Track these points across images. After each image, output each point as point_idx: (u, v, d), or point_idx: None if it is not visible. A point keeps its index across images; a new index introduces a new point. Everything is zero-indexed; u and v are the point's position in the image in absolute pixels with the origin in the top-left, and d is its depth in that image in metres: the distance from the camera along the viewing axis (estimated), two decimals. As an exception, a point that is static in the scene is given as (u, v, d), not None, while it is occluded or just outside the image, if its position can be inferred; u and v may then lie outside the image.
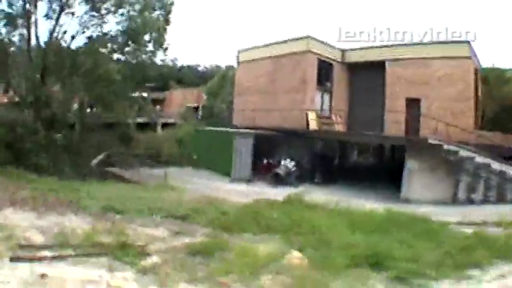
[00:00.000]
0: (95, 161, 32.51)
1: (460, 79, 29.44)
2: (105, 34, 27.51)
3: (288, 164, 27.30)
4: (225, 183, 26.09)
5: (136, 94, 47.52)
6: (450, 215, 15.32)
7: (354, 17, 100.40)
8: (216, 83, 52.71)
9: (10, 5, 26.04)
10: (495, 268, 8.31)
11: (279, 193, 19.02)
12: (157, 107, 61.91)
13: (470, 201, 21.56)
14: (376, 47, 32.49)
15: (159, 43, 28.79)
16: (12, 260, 6.33)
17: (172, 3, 28.77)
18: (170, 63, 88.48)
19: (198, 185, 24.13)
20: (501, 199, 20.95)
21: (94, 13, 26.72)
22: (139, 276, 6.36)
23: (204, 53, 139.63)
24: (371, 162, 38.24)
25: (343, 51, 34.60)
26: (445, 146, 22.78)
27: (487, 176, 21.79)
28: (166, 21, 28.75)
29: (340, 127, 32.88)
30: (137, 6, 27.49)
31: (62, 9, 26.54)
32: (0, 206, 10.04)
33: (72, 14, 26.62)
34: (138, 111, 40.74)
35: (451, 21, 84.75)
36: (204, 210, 12.56)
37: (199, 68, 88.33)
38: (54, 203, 11.74)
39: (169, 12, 28.72)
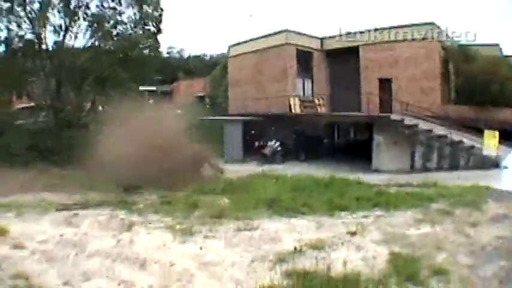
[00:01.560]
0: None
1: (426, 59, 31.29)
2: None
3: (274, 144, 30.28)
4: (220, 164, 29.39)
5: (145, 88, 51.35)
6: (395, 179, 17.30)
7: (354, 17, 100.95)
8: (219, 72, 52.94)
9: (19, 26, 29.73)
10: (366, 212, 10.84)
11: (257, 170, 22.78)
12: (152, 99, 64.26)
13: (426, 169, 22.90)
14: (350, 33, 34.41)
15: (154, 49, 32.25)
16: (57, 210, 11.18)
17: (161, 15, 31.95)
18: (177, 55, 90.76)
19: None
20: (455, 166, 22.47)
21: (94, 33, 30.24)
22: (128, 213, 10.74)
23: (211, 41, 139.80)
24: (351, 139, 40.59)
25: (322, 39, 36.91)
26: (406, 122, 24.90)
27: (440, 146, 23.40)
28: (159, 30, 32.00)
29: (323, 109, 35.44)
30: (130, 25, 30.95)
31: (67, 29, 30.02)
32: (38, 191, 15.39)
33: (76, 36, 30.17)
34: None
35: (451, 21, 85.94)
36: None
37: (206, 58, 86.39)
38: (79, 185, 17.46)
39: (160, 22, 31.92)
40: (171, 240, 7.80)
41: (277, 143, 30.34)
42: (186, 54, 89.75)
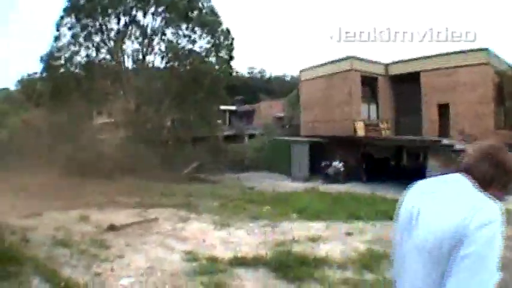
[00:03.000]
0: (187, 170, 39.09)
1: (480, 84, 31.39)
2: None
3: (337, 165, 32.38)
4: (286, 181, 32.05)
5: (225, 108, 54.57)
6: None
7: (353, 17, 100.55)
8: (296, 93, 53.08)
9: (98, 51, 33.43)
10: (377, 221, 12.20)
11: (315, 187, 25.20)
12: (241, 120, 66.88)
13: None
14: (413, 59, 35.67)
15: (226, 74, 35.28)
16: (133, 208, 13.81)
17: (232, 43, 34.93)
18: (258, 75, 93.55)
19: (265, 183, 30.18)
20: None
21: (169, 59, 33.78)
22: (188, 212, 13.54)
23: (292, 62, 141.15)
24: (416, 163, 40.25)
25: (386, 65, 38.30)
26: (456, 146, 25.92)
27: None
28: (231, 58, 34.97)
29: (388, 133, 36.54)
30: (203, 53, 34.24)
31: (144, 54, 33.69)
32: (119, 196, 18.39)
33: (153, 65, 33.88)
34: (227, 125, 47.39)
35: (451, 21, 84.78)
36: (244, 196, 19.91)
37: (287, 79, 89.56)
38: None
39: (231, 50, 34.92)
40: (212, 228, 10.51)
41: (341, 164, 31.96)
42: (267, 75, 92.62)
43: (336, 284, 6.52)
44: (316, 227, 11.03)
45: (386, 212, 13.17)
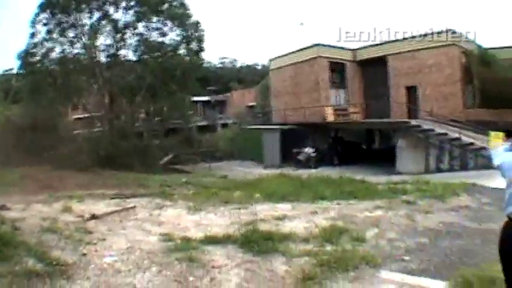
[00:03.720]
0: (163, 161, 39.75)
1: (447, 65, 32.73)
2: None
3: (308, 151, 33.15)
4: (259, 169, 32.60)
5: (198, 99, 55.20)
6: (401, 179, 18.63)
7: (353, 17, 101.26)
8: (267, 82, 53.18)
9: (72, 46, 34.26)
10: (342, 200, 12.65)
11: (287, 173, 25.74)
12: (213, 110, 67.48)
13: (439, 170, 24.88)
14: (379, 44, 36.47)
15: (197, 66, 36.02)
16: (111, 198, 14.88)
17: (202, 35, 35.58)
18: (229, 65, 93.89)
19: (237, 171, 31.65)
20: (465, 167, 24.03)
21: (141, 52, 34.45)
22: (163, 200, 14.28)
23: (263, 50, 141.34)
24: (382, 144, 42.11)
25: (353, 50, 39.17)
26: (423, 126, 27.23)
27: (451, 148, 25.12)
28: (201, 49, 35.63)
29: (358, 117, 37.64)
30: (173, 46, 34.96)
31: (117, 48, 34.25)
32: (96, 188, 19.27)
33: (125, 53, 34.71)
34: (198, 116, 48.15)
35: (451, 21, 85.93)
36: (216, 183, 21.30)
37: (258, 67, 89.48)
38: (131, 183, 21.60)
39: (201, 42, 35.58)
40: (185, 213, 11.30)
41: (312, 150, 32.69)
42: (238, 64, 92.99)
43: (298, 255, 7.14)
44: (283, 208, 11.71)
45: (352, 192, 14.34)
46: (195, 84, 41.37)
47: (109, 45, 35.86)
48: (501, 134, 17.41)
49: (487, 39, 34.69)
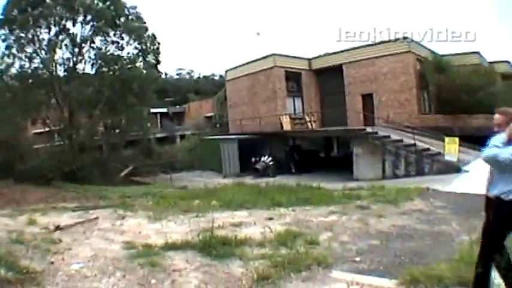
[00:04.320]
0: (123, 173, 39.82)
1: (402, 72, 33.50)
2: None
3: (266, 159, 33.28)
4: (218, 179, 32.72)
5: (156, 111, 55.35)
6: (358, 185, 19.25)
7: (354, 17, 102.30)
8: (223, 93, 53.60)
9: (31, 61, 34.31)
10: (298, 207, 13.07)
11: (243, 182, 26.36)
12: (172, 121, 67.42)
13: (395, 176, 24.87)
14: (334, 52, 37.68)
15: (154, 78, 36.28)
16: (73, 210, 15.05)
17: (158, 48, 35.91)
18: (187, 76, 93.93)
19: (197, 182, 31.37)
20: (421, 172, 24.14)
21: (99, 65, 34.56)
22: (125, 211, 14.40)
23: (220, 61, 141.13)
24: (341, 152, 42.61)
25: (309, 60, 39.99)
26: (379, 133, 27.34)
27: (407, 154, 25.18)
28: (158, 62, 35.94)
29: (314, 125, 37.84)
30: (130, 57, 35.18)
31: (75, 62, 34.39)
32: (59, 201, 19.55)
33: (83, 71, 35.37)
34: (157, 127, 48.27)
35: (451, 20, 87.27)
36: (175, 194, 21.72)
37: (215, 78, 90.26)
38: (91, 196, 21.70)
39: (157, 55, 35.92)
40: (146, 222, 11.71)
41: (269, 158, 32.81)
42: (196, 75, 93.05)
43: (254, 258, 7.59)
44: (240, 215, 12.18)
45: (307, 199, 14.82)
46: (153, 96, 41.81)
47: (67, 59, 35.87)
48: (456, 139, 21.70)
49: (442, 46, 33.90)
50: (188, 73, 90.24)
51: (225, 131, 45.14)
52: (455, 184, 17.80)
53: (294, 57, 39.42)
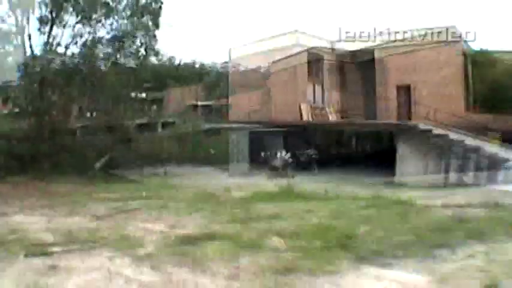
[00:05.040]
0: (98, 164, 33.55)
1: (447, 64, 30.78)
2: (99, 40, 29.34)
3: (284, 155, 28.18)
4: (224, 177, 27.27)
5: (134, 95, 49.63)
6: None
7: (353, 17, 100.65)
8: (212, 79, 54.15)
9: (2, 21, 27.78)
10: None
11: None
12: (154, 106, 63.04)
13: (464, 184, 21.03)
14: (364, 35, 33.05)
15: (150, 47, 30.37)
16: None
17: (160, 7, 30.19)
18: (167, 62, 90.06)
19: (198, 181, 25.22)
20: (493, 181, 20.39)
21: (85, 22, 28.31)
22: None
23: (201, 49, 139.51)
24: (369, 148, 39.15)
25: (333, 42, 35.38)
26: (434, 131, 23.48)
27: (477, 159, 21.65)
28: (156, 26, 30.19)
29: (334, 117, 33.82)
30: (125, 13, 29.25)
31: (53, 22, 28.07)
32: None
33: (64, 26, 28.23)
34: (138, 112, 42.63)
35: (451, 20, 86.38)
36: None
37: (197, 65, 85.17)
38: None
39: (157, 16, 30.14)
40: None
41: (288, 154, 28.35)
42: (176, 62, 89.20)
43: None
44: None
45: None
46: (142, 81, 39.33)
47: (44, 18, 29.96)
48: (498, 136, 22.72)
49: (484, 42, 32.22)
50: (169, 59, 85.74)
51: (218, 120, 40.92)
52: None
53: (318, 37, 35.73)
